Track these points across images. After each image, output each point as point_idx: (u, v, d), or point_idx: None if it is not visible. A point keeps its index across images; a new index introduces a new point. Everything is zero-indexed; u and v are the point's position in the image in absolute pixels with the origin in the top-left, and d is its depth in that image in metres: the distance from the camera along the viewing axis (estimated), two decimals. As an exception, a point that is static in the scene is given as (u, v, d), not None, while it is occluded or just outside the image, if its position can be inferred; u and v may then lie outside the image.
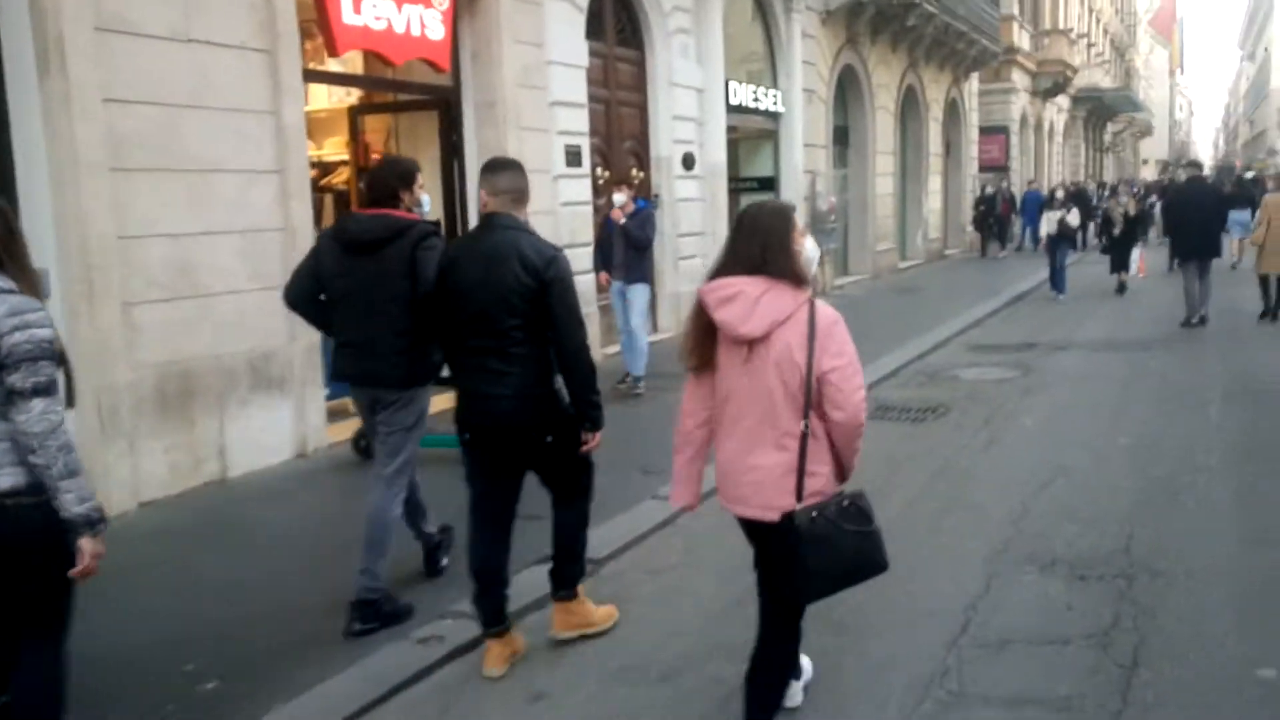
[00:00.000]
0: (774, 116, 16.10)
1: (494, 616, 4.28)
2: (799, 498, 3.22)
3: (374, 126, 10.02)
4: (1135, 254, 17.34)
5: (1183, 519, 5.97)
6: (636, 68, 12.58)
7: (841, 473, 3.38)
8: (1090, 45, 45.95)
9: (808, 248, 3.37)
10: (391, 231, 4.42)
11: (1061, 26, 37.83)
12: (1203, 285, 13.15)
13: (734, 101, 14.48)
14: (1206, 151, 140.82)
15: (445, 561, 5.19)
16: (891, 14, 19.67)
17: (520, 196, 4.18)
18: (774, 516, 3.24)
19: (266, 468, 7.21)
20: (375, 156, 10.02)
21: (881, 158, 20.72)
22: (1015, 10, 30.84)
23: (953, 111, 26.43)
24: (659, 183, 12.76)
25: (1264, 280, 13.36)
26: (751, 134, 16.34)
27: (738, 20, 15.60)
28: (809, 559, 3.17)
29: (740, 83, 14.79)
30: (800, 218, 3.53)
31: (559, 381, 4.18)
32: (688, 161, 13.08)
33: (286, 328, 7.21)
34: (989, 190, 26.30)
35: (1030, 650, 4.36)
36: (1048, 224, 16.94)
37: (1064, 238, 16.88)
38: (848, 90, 19.73)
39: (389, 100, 9.90)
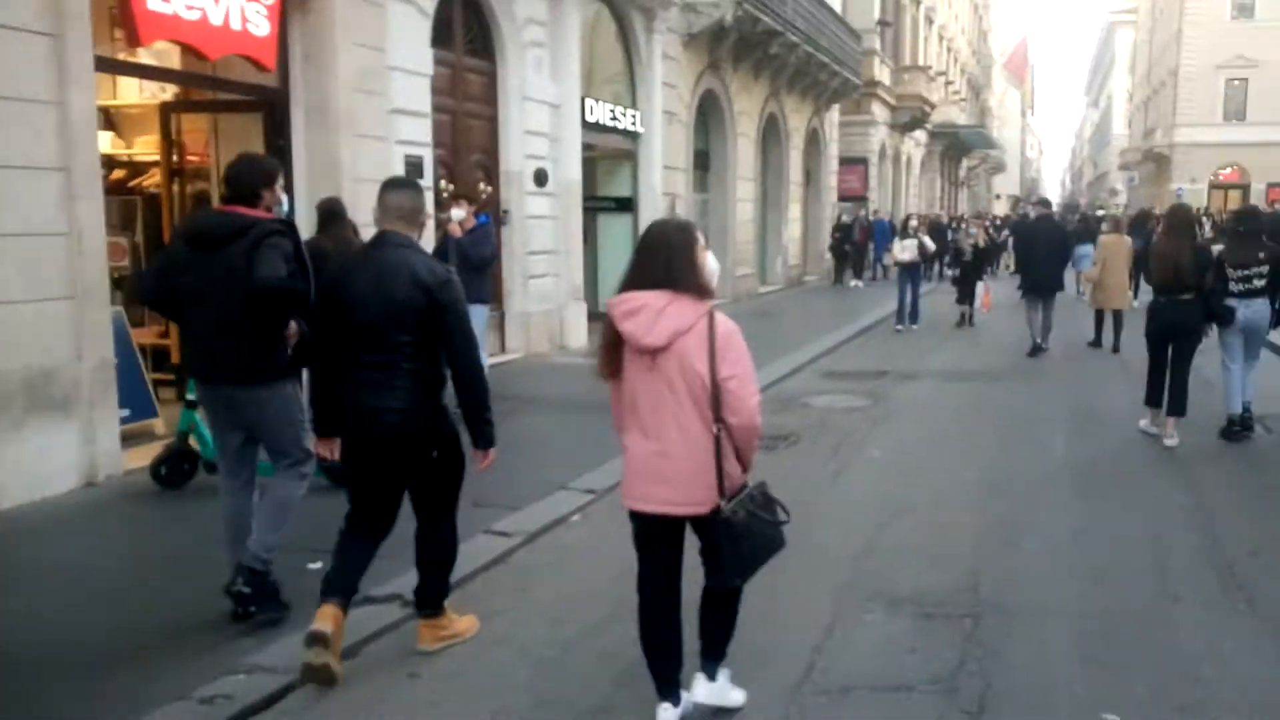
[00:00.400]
0: (633, 137, 15.80)
1: (342, 589, 4.20)
2: (721, 493, 3.49)
3: (191, 126, 9.23)
4: (980, 289, 16.99)
5: (1027, 555, 5.81)
6: (487, 79, 12.10)
7: (744, 466, 3.62)
8: (948, 83, 47.40)
9: (710, 262, 3.58)
10: (235, 229, 4.38)
11: (921, 63, 38.86)
12: (1045, 317, 13.69)
13: (591, 119, 14.11)
14: (1054, 190, 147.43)
15: (254, 609, 4.67)
16: (754, 41, 19.64)
17: (413, 215, 4.25)
18: (698, 510, 3.53)
19: (45, 499, 6.38)
20: (191, 158, 9.28)
21: (742, 183, 20.66)
22: (877, 45, 31.44)
23: (814, 141, 26.69)
24: (509, 198, 12.27)
25: (1099, 314, 14.06)
26: (610, 153, 16.01)
27: (598, 38, 15.30)
28: (737, 550, 3.50)
29: (598, 100, 14.42)
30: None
31: (446, 398, 4.28)
32: (540, 178, 12.63)
33: (72, 343, 6.46)
34: (845, 219, 26.33)
35: (875, 697, 4.12)
36: (901, 251, 16.45)
37: (916, 267, 16.55)
38: (709, 115, 19.60)
39: (209, 98, 9.15)
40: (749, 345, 3.60)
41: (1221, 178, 52.85)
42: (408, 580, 4.81)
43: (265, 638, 4.37)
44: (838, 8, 26.58)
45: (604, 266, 16.16)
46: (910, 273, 16.35)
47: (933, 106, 39.06)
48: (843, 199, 29.49)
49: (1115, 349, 13.57)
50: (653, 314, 3.43)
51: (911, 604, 5.02)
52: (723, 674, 3.88)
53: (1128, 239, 13.99)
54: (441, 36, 11.00)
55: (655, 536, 3.71)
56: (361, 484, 4.30)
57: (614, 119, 14.89)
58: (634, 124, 15.57)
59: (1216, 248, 8.99)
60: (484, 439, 4.28)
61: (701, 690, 3.84)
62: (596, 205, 15.99)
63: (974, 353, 14.15)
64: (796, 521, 6.24)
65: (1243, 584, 5.28)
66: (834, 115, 28.30)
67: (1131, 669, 4.33)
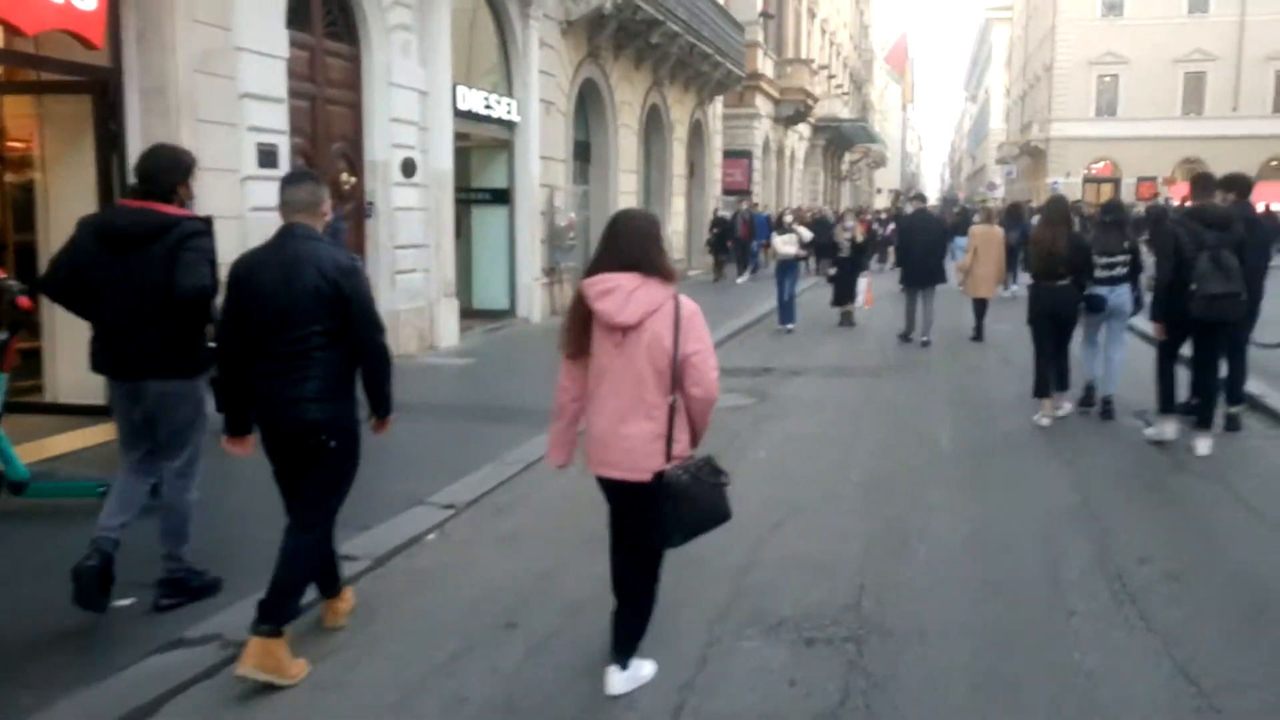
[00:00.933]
0: (509, 126, 15.23)
1: (323, 586, 4.53)
2: (668, 459, 3.77)
3: (14, 110, 8.36)
4: (862, 284, 16.20)
5: (914, 567, 5.50)
6: (350, 63, 11.39)
7: (694, 439, 3.94)
8: (831, 77, 47.81)
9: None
10: (155, 228, 4.40)
11: (804, 56, 39.04)
12: (926, 310, 13.94)
13: (463, 107, 13.50)
14: (934, 184, 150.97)
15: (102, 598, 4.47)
16: (635, 30, 19.23)
17: (314, 207, 4.27)
18: (646, 477, 3.75)
19: None
20: (14, 145, 8.43)
21: (624, 175, 20.22)
22: (760, 37, 31.39)
23: (697, 133, 26.42)
24: (373, 189, 11.58)
25: (977, 306, 14.29)
26: (485, 143, 15.42)
27: (471, 22, 14.72)
28: (678, 510, 3.73)
29: (471, 88, 13.81)
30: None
31: (358, 391, 4.31)
32: (408, 168, 11.98)
33: None
34: (722, 213, 25.37)
35: (749, 742, 3.73)
36: (784, 245, 15.62)
37: (794, 263, 15.82)
38: (589, 105, 19.12)
39: (32, 79, 8.27)
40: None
41: (1095, 171, 54.55)
42: (230, 618, 4.29)
43: (46, 696, 3.77)
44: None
45: (479, 261, 15.60)
46: (788, 269, 15.63)
47: (815, 100, 39.30)
48: (727, 192, 29.34)
49: (978, 336, 14.11)
50: (625, 294, 3.72)
51: (792, 627, 4.66)
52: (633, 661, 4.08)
53: (999, 229, 14.64)
54: (298, 17, 10.28)
55: (622, 498, 3.96)
56: (285, 475, 4.32)
57: (488, 107, 14.30)
58: (510, 113, 15.01)
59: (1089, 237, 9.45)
60: (382, 408, 4.38)
61: (618, 681, 4.00)
62: (471, 197, 15.41)
63: (858, 348, 14.00)
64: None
65: (1134, 595, 5.05)
66: (717, 107, 28.09)
67: (1026, 695, 4.06)
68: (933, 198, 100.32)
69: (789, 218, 17.16)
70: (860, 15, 64.50)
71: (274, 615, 4.00)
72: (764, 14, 31.95)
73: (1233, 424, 8.35)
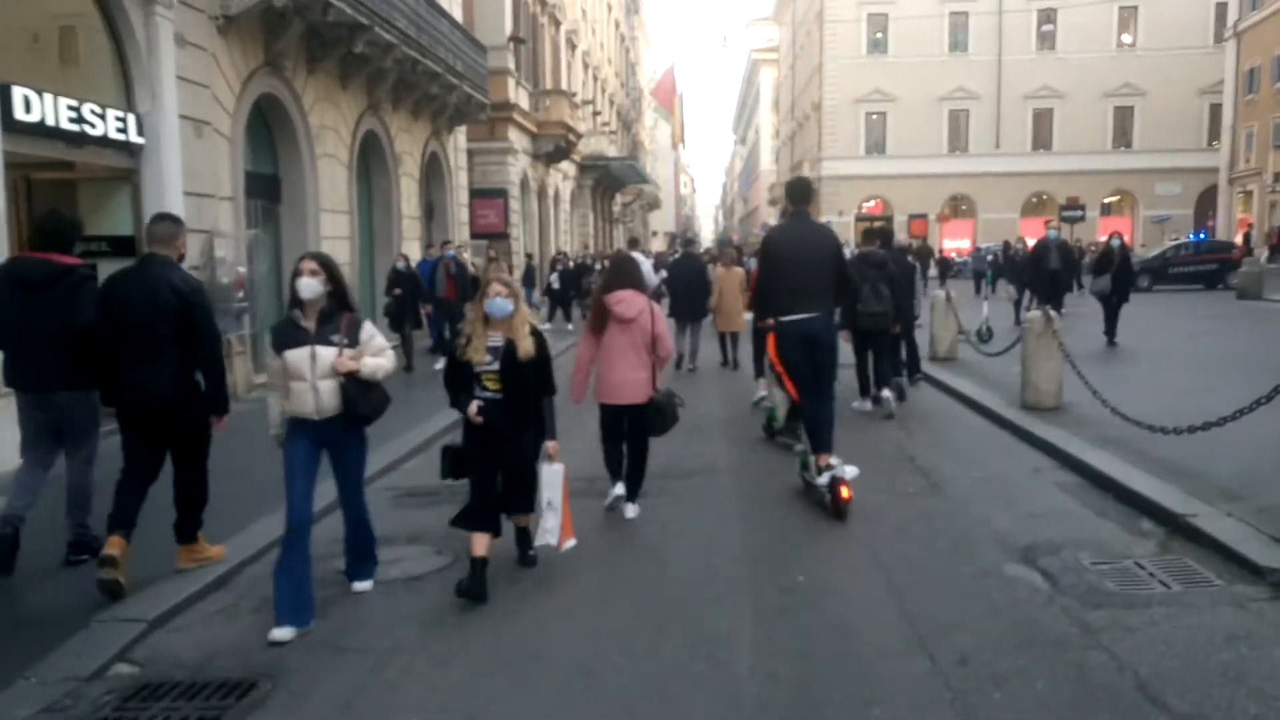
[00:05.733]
0: (130, 150, 10.93)
1: (124, 522, 5.69)
2: (652, 391, 7.11)
3: None
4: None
5: None
6: None
7: (657, 379, 7.20)
8: (596, 113, 44.95)
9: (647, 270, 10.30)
10: (57, 273, 5.89)
11: (564, 88, 35.83)
12: (693, 340, 15.92)
13: (28, 118, 9.19)
14: (709, 226, 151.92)
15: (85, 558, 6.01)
16: (332, 35, 15.28)
17: (170, 240, 5.87)
18: (643, 399, 7.05)
19: None
20: None
21: (330, 217, 16.06)
22: (510, 64, 27.94)
23: (436, 167, 22.50)
24: None
25: (721, 336, 15.97)
26: (100, 174, 11.08)
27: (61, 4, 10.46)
28: (659, 417, 7.08)
29: (44, 92, 9.46)
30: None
31: (198, 376, 5.86)
32: (-105, 207, 7.74)
33: None
34: (401, 266, 16.26)
35: None
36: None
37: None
38: (275, 128, 14.97)
39: None
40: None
41: (866, 210, 53.79)
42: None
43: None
44: (459, 19, 22.77)
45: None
46: None
47: (579, 136, 36.14)
48: (478, 235, 25.52)
49: (734, 365, 15.51)
50: (628, 301, 7.04)
51: None
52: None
53: (739, 270, 15.75)
54: None
55: (617, 416, 7.21)
56: (135, 443, 5.80)
57: (81, 122, 9.98)
58: (125, 131, 10.71)
59: None
60: (221, 407, 5.93)
61: (630, 509, 7.21)
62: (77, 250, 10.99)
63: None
64: None
65: None
66: (459, 139, 24.20)
67: None
68: (707, 240, 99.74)
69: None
70: (626, 53, 62.30)
71: (190, 532, 5.98)
72: (514, 38, 28.48)
73: (902, 395, 11.58)
